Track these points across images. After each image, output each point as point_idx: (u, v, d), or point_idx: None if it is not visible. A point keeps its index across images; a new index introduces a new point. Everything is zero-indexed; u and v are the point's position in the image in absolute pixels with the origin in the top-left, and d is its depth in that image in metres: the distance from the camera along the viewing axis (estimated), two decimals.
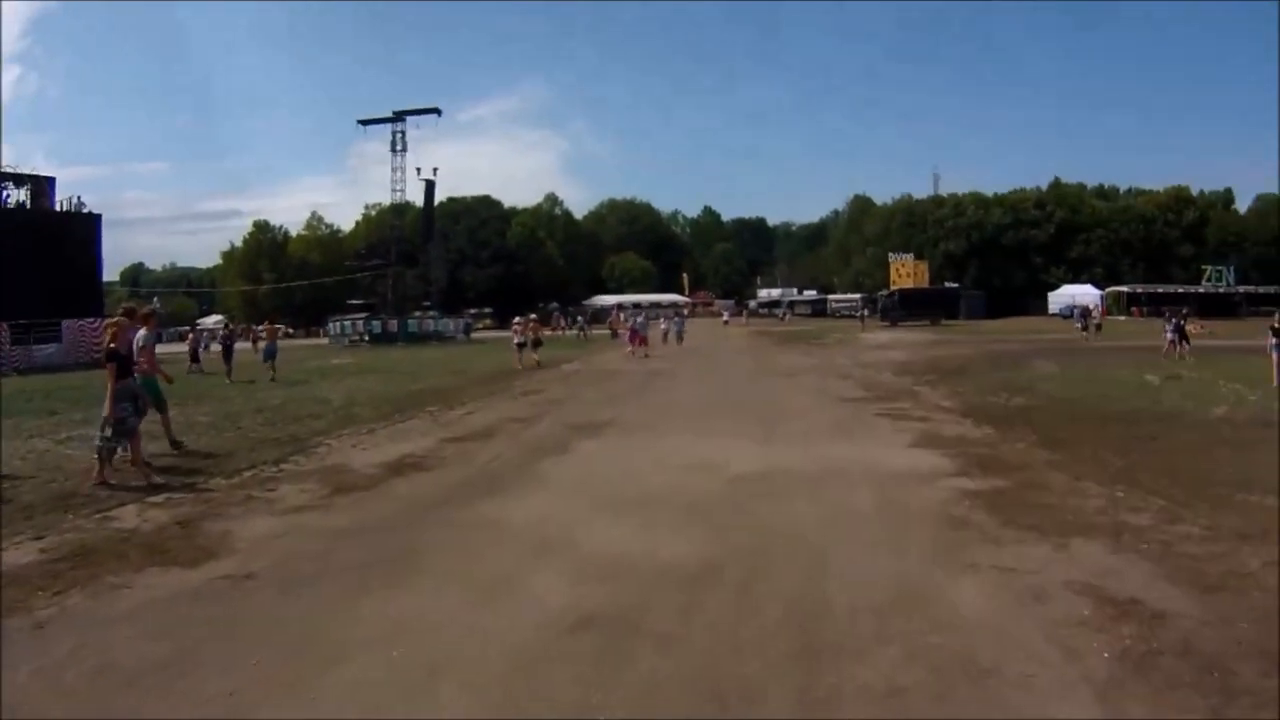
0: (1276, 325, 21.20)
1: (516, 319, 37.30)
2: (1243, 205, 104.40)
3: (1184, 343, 30.28)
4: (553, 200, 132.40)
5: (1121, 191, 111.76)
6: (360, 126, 70.71)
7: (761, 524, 8.87)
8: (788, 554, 7.75)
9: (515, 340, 33.66)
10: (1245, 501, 9.29)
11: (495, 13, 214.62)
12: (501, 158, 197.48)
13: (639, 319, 47.59)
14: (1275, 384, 19.66)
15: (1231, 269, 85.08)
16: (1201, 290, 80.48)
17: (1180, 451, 12.34)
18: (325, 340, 70.41)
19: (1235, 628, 5.82)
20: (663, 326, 48.52)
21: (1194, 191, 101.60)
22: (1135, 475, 10.71)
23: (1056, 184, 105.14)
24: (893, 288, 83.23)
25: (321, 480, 11.31)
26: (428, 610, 6.45)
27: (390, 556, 7.71)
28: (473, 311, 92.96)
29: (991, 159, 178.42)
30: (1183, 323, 31.62)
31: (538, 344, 33.41)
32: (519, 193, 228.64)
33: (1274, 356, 20.49)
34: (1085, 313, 54.00)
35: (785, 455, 12.78)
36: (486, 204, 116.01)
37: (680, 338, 47.35)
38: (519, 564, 7.59)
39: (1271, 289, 78.59)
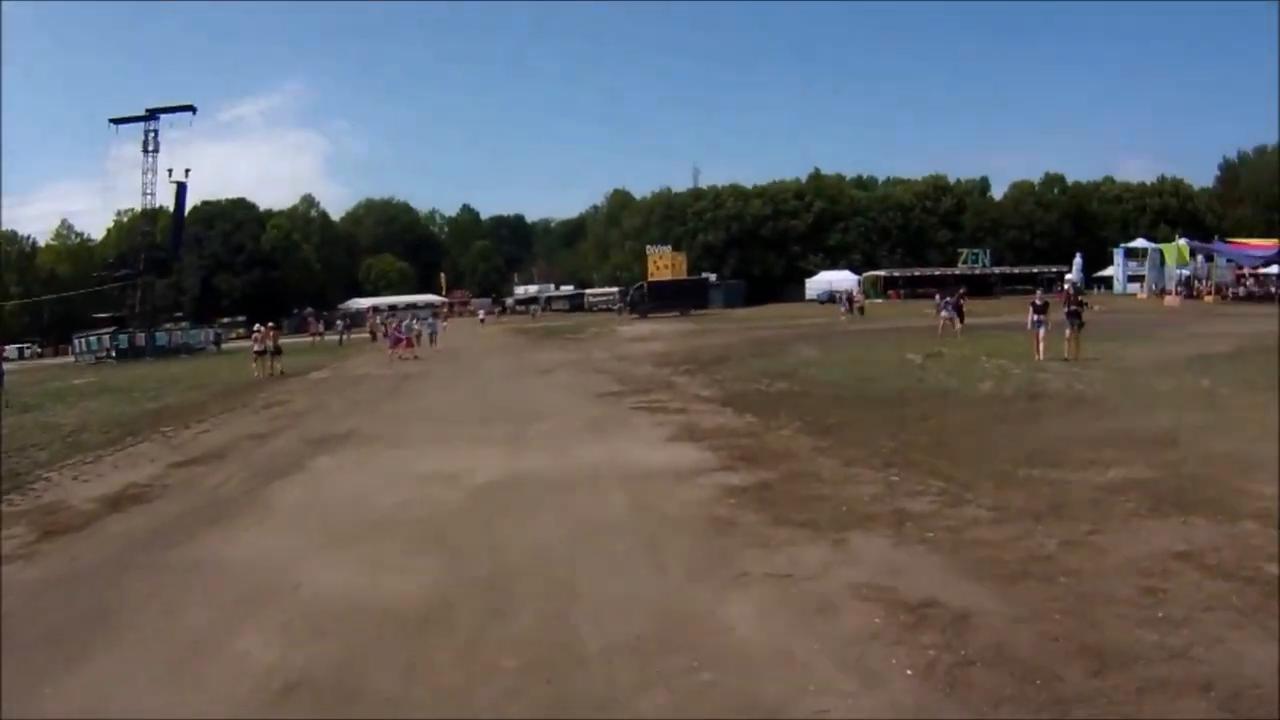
0: (1037, 302, 22.93)
1: (256, 327, 36.49)
2: (998, 192, 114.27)
3: (960, 320, 32.33)
4: (309, 201, 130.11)
5: (880, 181, 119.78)
6: (112, 126, 66.22)
7: (502, 545, 8.04)
8: (531, 582, 6.92)
9: (255, 349, 33.66)
10: (1028, 477, 9.34)
11: (258, 11, 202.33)
12: (263, 159, 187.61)
13: (404, 322, 47.19)
14: (1038, 357, 21.14)
15: (987, 252, 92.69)
16: (958, 272, 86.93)
17: (953, 430, 12.52)
18: (71, 359, 65.17)
19: (1048, 622, 5.48)
20: (415, 328, 47.39)
21: (951, 180, 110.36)
22: (909, 457, 10.68)
23: (816, 175, 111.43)
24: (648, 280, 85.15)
25: (32, 523, 10.08)
26: (111, 695, 5.36)
27: (84, 618, 6.79)
28: (225, 320, 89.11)
29: (752, 153, 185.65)
30: (960, 302, 33.84)
31: (277, 352, 32.96)
32: (282, 195, 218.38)
33: (1038, 333, 22.05)
34: (848, 297, 56.92)
35: (534, 460, 12.08)
36: (242, 207, 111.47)
37: (433, 339, 46.95)
38: (227, 617, 6.56)
39: (1025, 269, 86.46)
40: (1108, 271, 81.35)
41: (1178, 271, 66.29)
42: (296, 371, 32.18)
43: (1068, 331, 21.58)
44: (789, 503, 8.72)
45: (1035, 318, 22.28)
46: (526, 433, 14.58)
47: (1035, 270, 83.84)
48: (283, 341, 35.02)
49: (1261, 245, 70.72)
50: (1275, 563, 6.32)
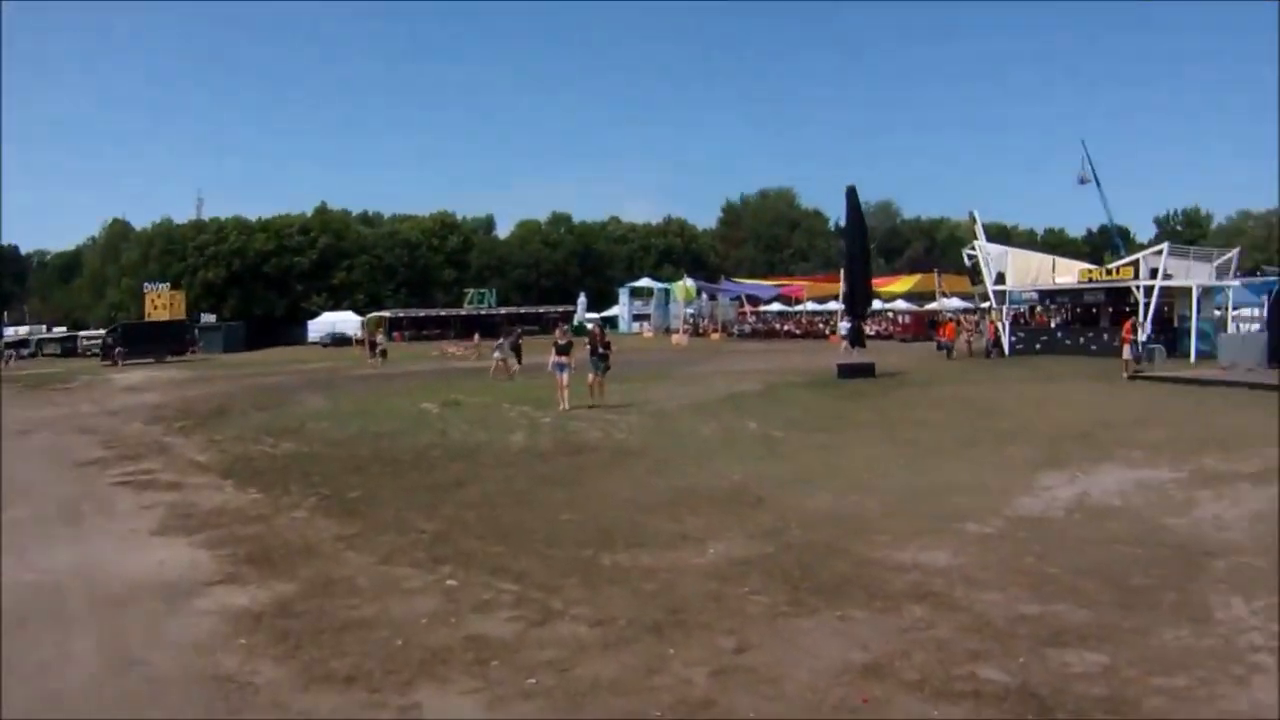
0: (560, 342, 21.97)
1: None
2: (504, 230, 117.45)
3: (518, 361, 32.18)
4: None
5: (387, 217, 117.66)
6: None
7: None
8: None
9: None
10: (616, 566, 7.77)
11: None
12: None
13: None
14: (563, 406, 20.20)
15: (493, 291, 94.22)
16: (464, 312, 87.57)
17: (500, 500, 10.83)
18: None
19: None
20: None
21: (459, 217, 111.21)
22: (461, 545, 8.70)
23: (322, 209, 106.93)
24: (119, 321, 76.73)
25: None
26: None
27: None
28: None
29: (260, 183, 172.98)
30: (519, 342, 33.80)
31: None
32: None
33: (562, 377, 20.92)
34: (371, 342, 54.19)
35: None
36: None
37: None
38: None
39: (531, 309, 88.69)
40: (613, 310, 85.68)
41: (685, 310, 71.01)
42: None
43: (591, 375, 20.94)
44: (322, 638, 6.29)
45: (558, 360, 21.33)
46: None
47: (541, 310, 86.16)
48: None
49: (764, 284, 79.25)
50: (991, 666, 5.57)
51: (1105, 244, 76.19)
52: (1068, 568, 7.56)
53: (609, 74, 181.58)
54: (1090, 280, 41.24)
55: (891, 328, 62.65)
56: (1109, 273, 40.69)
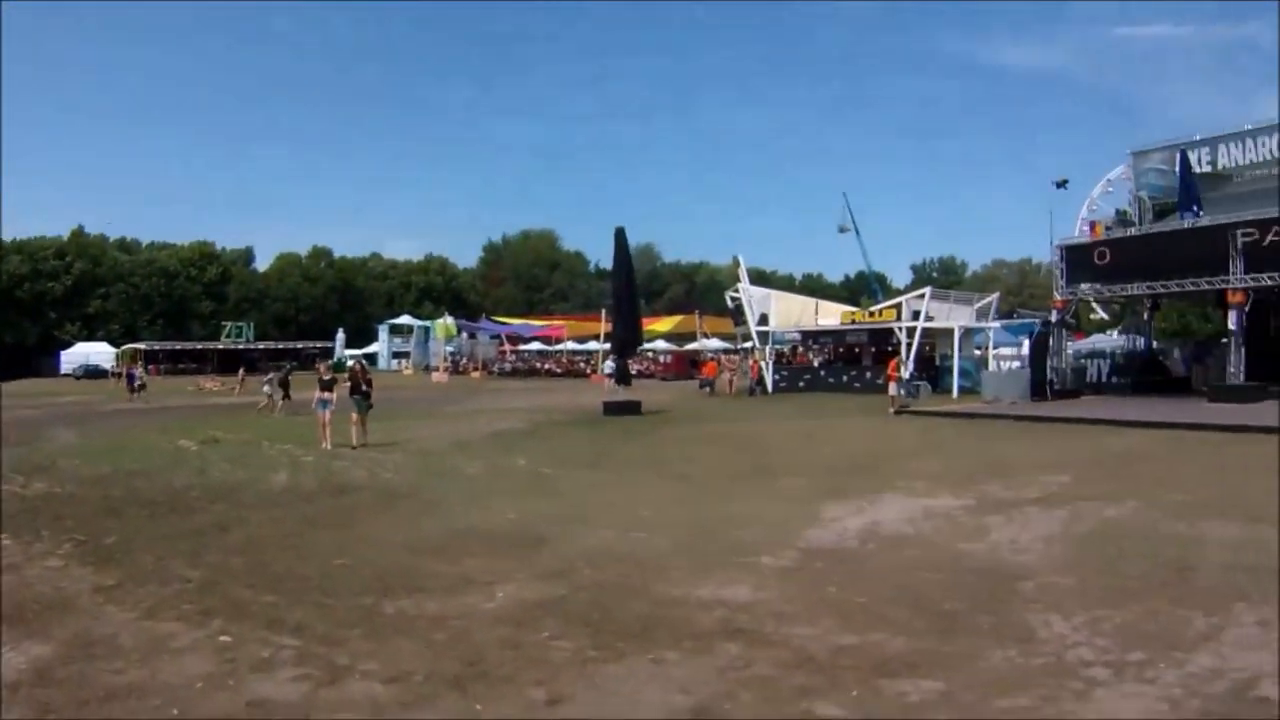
0: (324, 378, 21.93)
1: None
2: (264, 263, 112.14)
3: (285, 396, 31.28)
4: None
5: (144, 244, 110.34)
6: None
7: None
8: None
9: None
10: (401, 614, 7.26)
11: None
12: None
13: None
14: (325, 445, 19.74)
15: (251, 325, 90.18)
16: (221, 346, 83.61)
17: (267, 544, 10.11)
18: None
19: None
20: None
21: (219, 248, 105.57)
22: (231, 594, 7.95)
23: (78, 233, 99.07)
24: None
25: None
26: None
27: None
28: None
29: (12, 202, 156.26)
30: (287, 378, 32.79)
31: None
32: None
33: (324, 415, 20.53)
34: (129, 375, 50.40)
35: None
36: None
37: None
38: None
39: (289, 344, 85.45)
40: (373, 347, 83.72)
41: (445, 348, 70.11)
42: None
43: (355, 415, 20.07)
44: (86, 709, 5.46)
45: (321, 396, 20.85)
46: None
47: (300, 345, 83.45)
48: None
49: (525, 323, 79.27)
50: (825, 701, 5.41)
51: (863, 289, 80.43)
52: (874, 597, 7.58)
53: (376, 108, 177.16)
54: (854, 322, 43.44)
55: (653, 366, 64.27)
56: (872, 314, 42.96)
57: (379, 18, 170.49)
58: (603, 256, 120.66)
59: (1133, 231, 31.65)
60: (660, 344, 71.51)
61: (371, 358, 79.69)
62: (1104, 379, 35.87)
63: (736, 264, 46.87)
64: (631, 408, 28.86)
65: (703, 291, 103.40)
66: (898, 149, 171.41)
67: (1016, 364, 39.22)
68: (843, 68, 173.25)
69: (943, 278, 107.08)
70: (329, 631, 6.71)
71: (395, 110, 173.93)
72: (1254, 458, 16.06)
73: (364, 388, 20.34)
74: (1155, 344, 38.98)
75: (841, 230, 77.12)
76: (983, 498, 12.64)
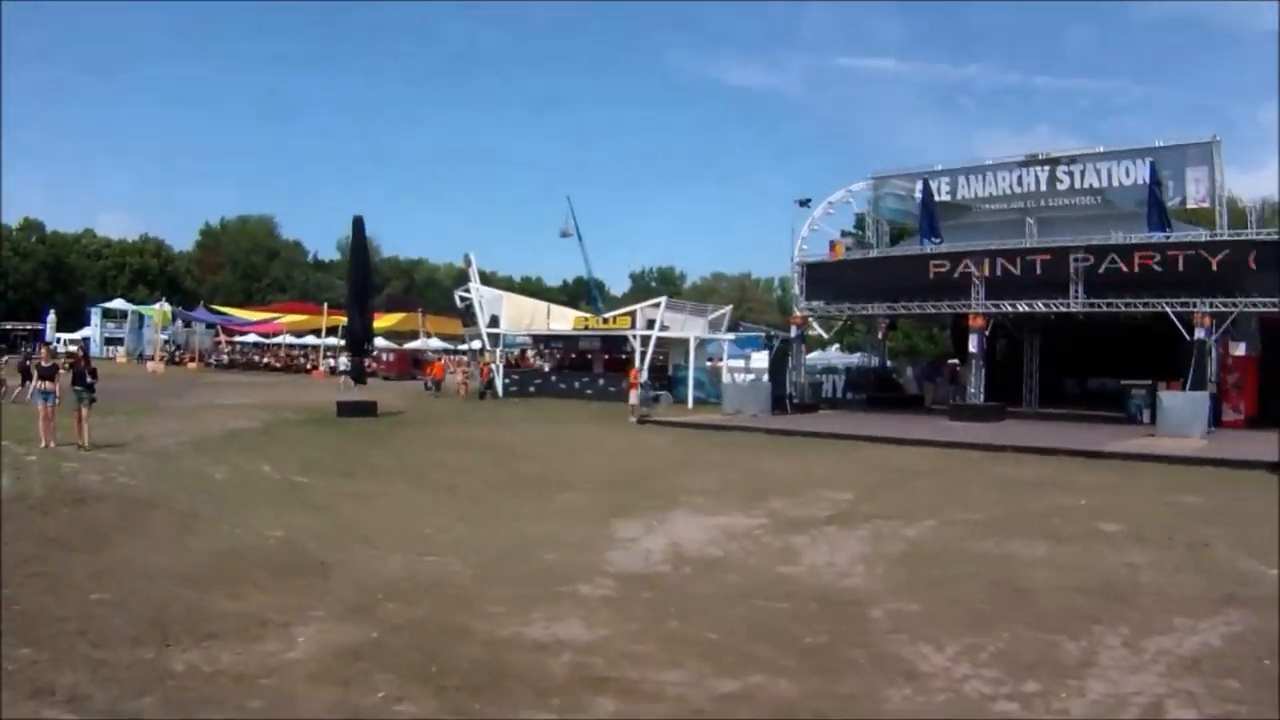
0: (44, 364, 19.20)
1: None
2: None
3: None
4: None
5: None
6: None
7: None
8: None
9: None
10: (192, 669, 6.01)
11: None
12: None
13: None
14: (49, 443, 17.05)
15: None
16: None
17: (7, 574, 8.23)
18: None
19: None
20: None
21: None
22: None
23: None
24: None
25: None
26: None
27: None
28: None
29: None
30: (26, 364, 27.67)
31: None
32: None
33: (46, 406, 17.50)
34: None
35: None
36: None
37: None
38: None
39: None
40: (84, 332, 76.69)
41: (159, 336, 65.86)
42: None
43: (79, 409, 17.35)
44: None
45: (41, 386, 17.94)
46: None
47: (8, 327, 75.18)
48: None
49: (245, 314, 75.07)
50: None
51: (582, 294, 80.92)
52: (725, 631, 7.10)
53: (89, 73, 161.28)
54: (587, 328, 43.41)
55: (375, 365, 62.29)
56: (606, 321, 43.06)
57: None
58: (321, 246, 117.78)
59: (874, 253, 33.19)
60: (381, 341, 69.33)
61: (83, 343, 72.09)
62: (839, 394, 37.46)
63: (467, 263, 45.33)
64: (367, 408, 27.49)
65: (421, 289, 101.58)
66: (616, 158, 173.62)
67: (750, 376, 40.16)
68: (568, 73, 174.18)
69: (662, 287, 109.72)
70: (114, 700, 5.33)
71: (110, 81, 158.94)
72: (1023, 476, 17.12)
73: (88, 378, 17.94)
74: (889, 362, 41.23)
75: (564, 235, 77.05)
76: (775, 516, 12.59)
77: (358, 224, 30.70)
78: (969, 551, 10.31)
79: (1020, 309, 28.60)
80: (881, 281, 31.47)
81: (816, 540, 10.85)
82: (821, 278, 32.94)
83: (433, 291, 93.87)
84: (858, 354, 43.53)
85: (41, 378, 18.29)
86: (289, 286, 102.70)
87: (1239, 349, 26.98)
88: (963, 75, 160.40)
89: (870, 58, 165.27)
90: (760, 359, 43.27)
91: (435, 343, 66.06)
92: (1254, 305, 25.28)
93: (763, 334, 44.65)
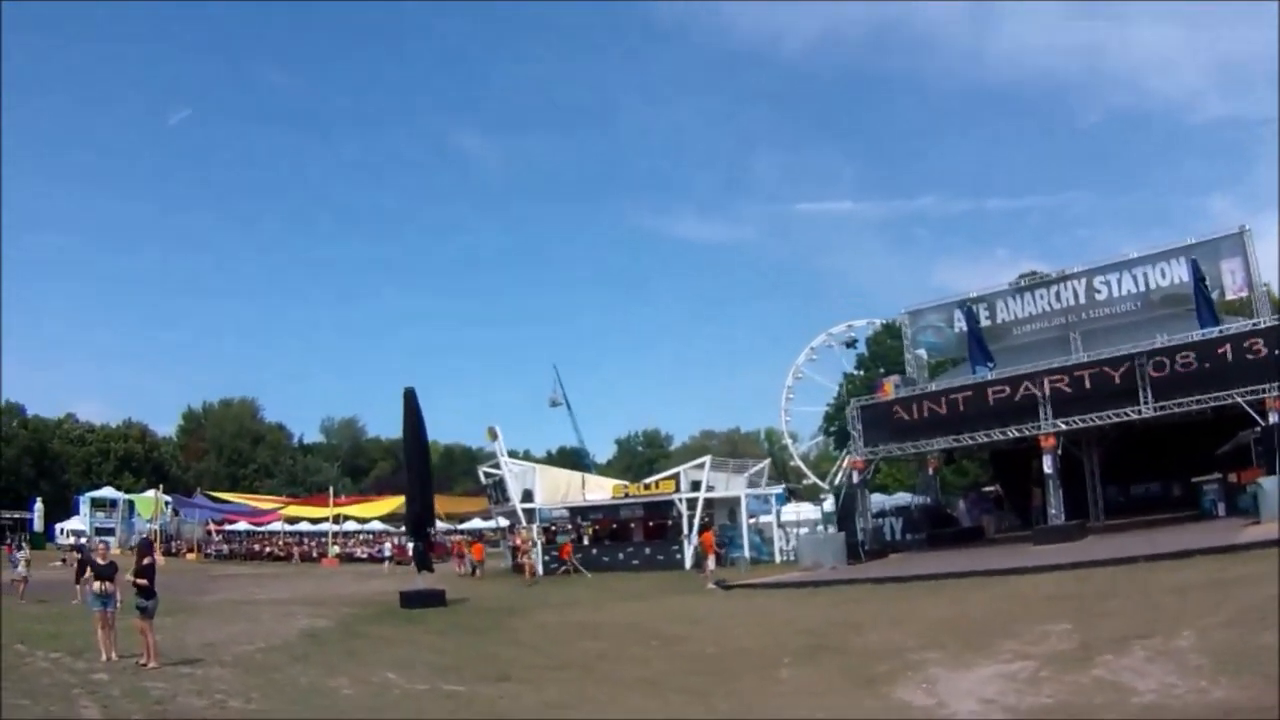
0: (101, 561, 16.40)
1: None
2: None
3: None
4: None
5: None
6: None
7: None
8: None
9: None
10: None
11: None
12: None
13: None
14: (111, 655, 15.10)
15: None
16: None
17: None
18: None
19: None
20: None
21: None
22: None
23: None
24: None
25: None
26: None
27: None
28: None
29: None
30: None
31: None
32: None
33: (106, 613, 15.34)
34: None
35: None
36: None
37: None
38: None
39: None
40: (74, 522, 74.74)
41: (148, 525, 64.89)
42: None
43: (140, 620, 14.97)
44: None
45: (101, 589, 15.69)
46: None
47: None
48: None
49: (241, 501, 73.68)
50: None
51: (568, 464, 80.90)
52: None
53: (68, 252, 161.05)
54: (627, 495, 43.00)
55: (396, 551, 61.50)
56: (647, 487, 42.76)
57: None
58: (307, 430, 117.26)
59: (931, 387, 33.39)
60: (376, 525, 68.28)
61: (78, 531, 69.70)
62: (898, 536, 37.06)
63: (493, 436, 44.84)
64: (435, 598, 26.15)
65: None
66: (584, 326, 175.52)
67: (804, 530, 39.73)
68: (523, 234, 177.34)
69: (649, 450, 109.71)
70: None
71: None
72: (1196, 580, 16.88)
73: (145, 580, 15.35)
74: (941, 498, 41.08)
75: (553, 404, 77.75)
76: (1028, 655, 12.25)
77: (409, 396, 29.44)
78: None
79: (1092, 422, 28.76)
80: (937, 414, 31.54)
81: (1125, 661, 10.73)
82: (876, 418, 33.01)
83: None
84: (898, 494, 43.35)
85: (99, 577, 15.92)
86: (275, 472, 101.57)
87: None
88: (916, 208, 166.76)
89: (825, 201, 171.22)
90: (792, 511, 43.23)
91: (472, 523, 65.00)
92: None
93: (782, 487, 44.91)
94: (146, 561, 15.98)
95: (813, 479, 69.70)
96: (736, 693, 12.31)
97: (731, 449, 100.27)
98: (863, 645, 15.07)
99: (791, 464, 67.79)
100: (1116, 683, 10.09)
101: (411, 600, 25.76)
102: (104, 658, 15.05)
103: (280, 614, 23.81)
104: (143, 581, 15.32)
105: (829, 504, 49.76)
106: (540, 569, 39.62)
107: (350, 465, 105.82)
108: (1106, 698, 9.53)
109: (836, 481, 71.04)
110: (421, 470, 31.02)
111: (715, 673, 14.03)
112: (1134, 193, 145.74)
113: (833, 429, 67.86)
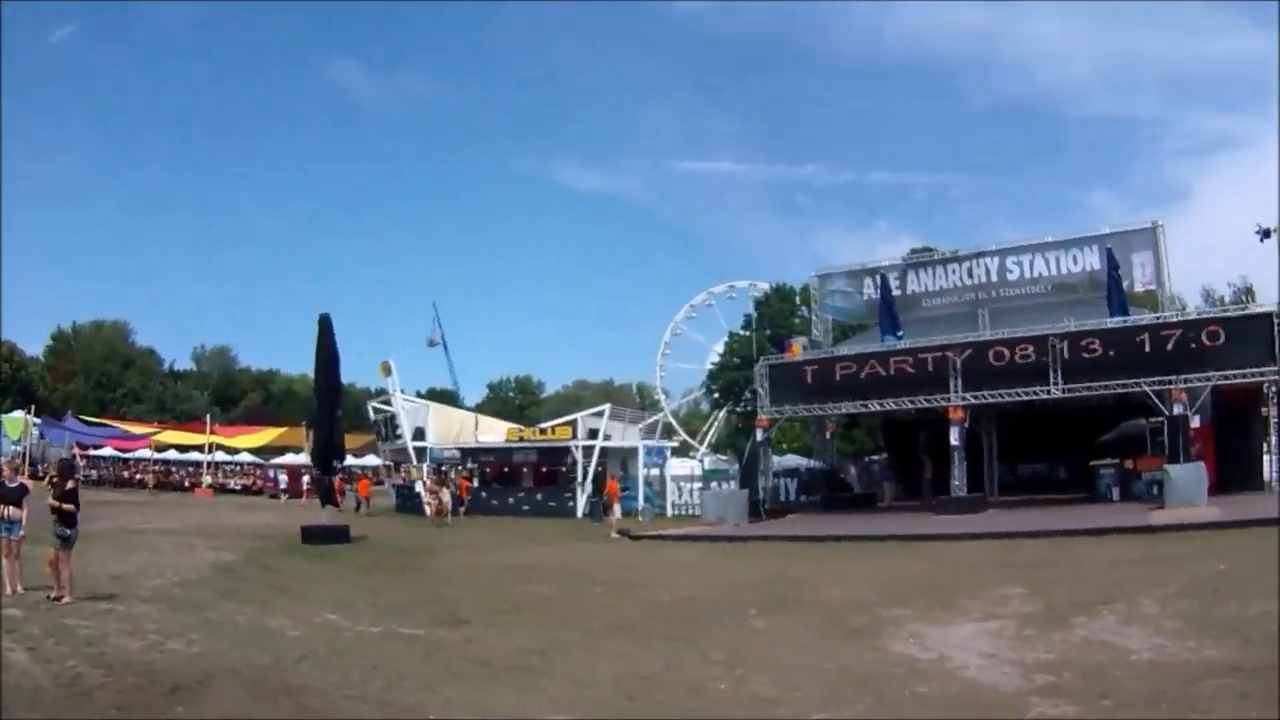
0: (10, 483, 15.15)
1: None
2: None
3: None
4: None
5: None
6: None
7: None
8: None
9: None
10: None
11: None
12: None
13: None
14: (15, 588, 14.28)
15: None
16: None
17: None
18: None
19: None
20: None
21: None
22: None
23: None
24: None
25: None
26: None
27: None
28: None
29: None
30: None
31: None
32: None
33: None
34: None
35: None
36: None
37: None
38: None
39: None
40: None
41: (14, 448, 61.79)
42: None
43: (55, 550, 14.28)
44: None
45: (4, 514, 14.39)
46: None
47: None
48: None
49: (113, 426, 70.91)
50: None
51: (446, 403, 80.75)
52: None
53: None
54: (521, 439, 43.10)
55: (260, 483, 60.47)
56: (543, 432, 42.90)
57: None
58: (178, 355, 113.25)
59: (843, 350, 34.24)
60: (245, 457, 66.58)
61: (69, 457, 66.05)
62: (793, 497, 38.00)
63: (386, 371, 44.12)
64: (339, 534, 25.71)
65: (279, 400, 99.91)
66: (463, 265, 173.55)
67: (698, 485, 40.32)
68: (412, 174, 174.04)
69: (520, 396, 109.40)
70: None
71: None
72: (1129, 555, 17.72)
73: (71, 504, 14.50)
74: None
75: (431, 344, 77.05)
76: (1003, 614, 12.90)
77: (324, 323, 28.35)
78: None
79: (1001, 398, 30.02)
80: (847, 379, 32.36)
81: (1101, 624, 11.41)
82: (784, 378, 33.68)
83: (291, 404, 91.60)
84: (788, 455, 44.29)
85: (3, 501, 14.43)
86: (144, 397, 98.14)
87: (1195, 421, 28.94)
88: (799, 174, 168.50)
89: (709, 160, 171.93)
90: (679, 466, 44.02)
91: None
92: (1225, 379, 27.24)
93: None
94: (70, 485, 15.05)
95: (684, 436, 71.25)
96: (722, 641, 12.29)
97: (604, 400, 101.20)
98: (824, 599, 15.47)
99: (664, 420, 68.65)
100: (1104, 642, 10.72)
101: (314, 535, 25.27)
102: (9, 590, 14.07)
103: (179, 545, 23.26)
104: (69, 507, 14.43)
105: (709, 461, 51.16)
106: (451, 510, 38.87)
107: (221, 394, 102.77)
108: (1106, 656, 10.09)
109: (710, 440, 73.41)
110: (331, 403, 30.40)
111: (685, 620, 14.23)
112: (1015, 179, 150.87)
113: (715, 386, 69.19)
